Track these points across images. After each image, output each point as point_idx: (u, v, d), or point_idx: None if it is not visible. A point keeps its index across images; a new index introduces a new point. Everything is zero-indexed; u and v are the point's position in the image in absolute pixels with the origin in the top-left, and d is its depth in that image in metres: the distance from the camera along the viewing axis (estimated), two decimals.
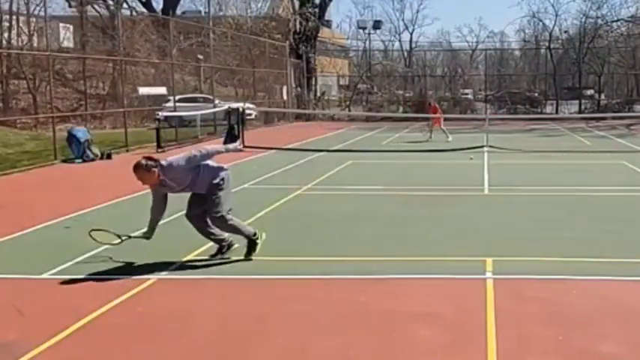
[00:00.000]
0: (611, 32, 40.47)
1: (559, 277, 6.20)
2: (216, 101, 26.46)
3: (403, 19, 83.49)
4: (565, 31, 43.49)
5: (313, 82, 39.79)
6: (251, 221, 8.90)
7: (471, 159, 16.34)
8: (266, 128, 29.76)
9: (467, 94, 43.51)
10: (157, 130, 19.03)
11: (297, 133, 25.59)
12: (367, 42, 48.86)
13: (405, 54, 54.26)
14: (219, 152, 6.81)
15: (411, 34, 63.97)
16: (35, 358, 4.55)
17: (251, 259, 6.82)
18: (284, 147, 19.48)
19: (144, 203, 10.56)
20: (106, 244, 6.88)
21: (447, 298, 5.70)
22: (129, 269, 6.65)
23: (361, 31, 51.71)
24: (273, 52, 34.26)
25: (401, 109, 38.52)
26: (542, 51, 43.42)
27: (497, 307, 5.41)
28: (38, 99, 26.25)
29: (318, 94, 40.26)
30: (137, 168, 6.32)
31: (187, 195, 6.81)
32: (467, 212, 9.61)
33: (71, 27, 29.64)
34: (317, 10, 39.52)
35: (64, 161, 16.40)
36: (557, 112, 36.99)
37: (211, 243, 6.98)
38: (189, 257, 7.00)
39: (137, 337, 4.94)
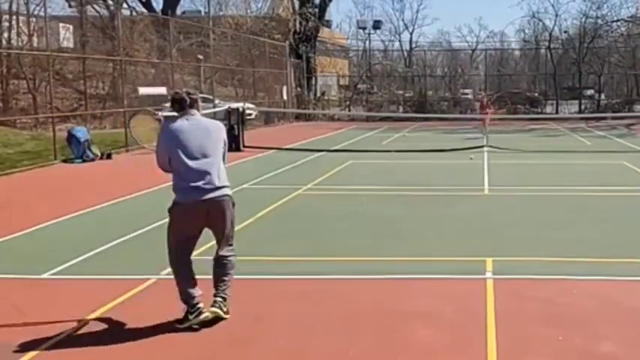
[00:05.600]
0: (611, 32, 40.46)
1: (559, 277, 6.20)
2: (216, 101, 26.45)
3: (403, 19, 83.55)
4: (565, 31, 43.48)
5: (313, 82, 39.77)
6: (251, 221, 8.93)
7: (471, 159, 16.34)
8: (266, 128, 29.75)
9: (467, 94, 43.50)
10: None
11: (297, 133, 25.59)
12: (367, 42, 48.93)
13: (405, 54, 54.18)
14: None
15: (411, 34, 63.82)
16: (35, 358, 4.55)
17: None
18: (284, 147, 19.47)
19: (144, 203, 10.61)
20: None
21: (447, 298, 5.70)
22: (129, 269, 6.66)
23: (361, 31, 51.78)
24: (273, 52, 34.23)
25: (401, 109, 38.52)
26: (542, 51, 43.38)
27: (497, 307, 5.41)
28: (38, 99, 26.20)
29: (318, 94, 40.24)
30: None
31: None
32: (467, 212, 9.61)
33: (71, 27, 29.57)
34: (317, 10, 39.50)
35: (64, 161, 16.40)
36: (557, 112, 36.97)
37: (212, 243, 6.91)
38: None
39: (137, 337, 4.94)
